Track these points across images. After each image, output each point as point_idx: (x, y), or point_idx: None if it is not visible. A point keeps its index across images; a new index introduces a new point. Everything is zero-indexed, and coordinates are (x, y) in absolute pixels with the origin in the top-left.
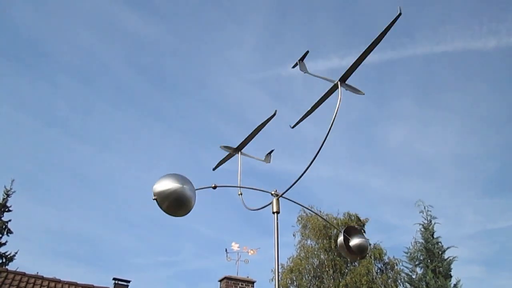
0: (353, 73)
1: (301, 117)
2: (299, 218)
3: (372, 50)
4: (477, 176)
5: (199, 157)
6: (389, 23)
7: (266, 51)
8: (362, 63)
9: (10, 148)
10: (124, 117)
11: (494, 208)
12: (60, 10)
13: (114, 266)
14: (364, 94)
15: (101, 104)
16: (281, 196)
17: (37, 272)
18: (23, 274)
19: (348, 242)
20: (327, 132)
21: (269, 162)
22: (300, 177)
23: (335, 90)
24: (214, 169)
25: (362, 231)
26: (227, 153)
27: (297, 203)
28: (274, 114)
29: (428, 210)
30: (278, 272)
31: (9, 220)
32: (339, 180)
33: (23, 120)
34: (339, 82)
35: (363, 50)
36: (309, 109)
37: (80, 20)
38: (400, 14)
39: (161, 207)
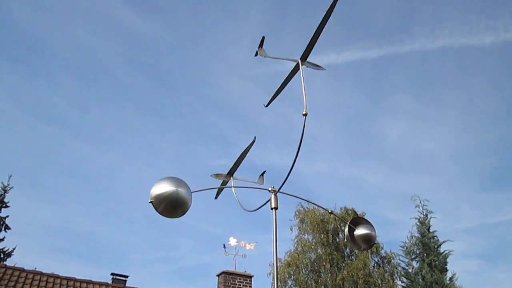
0: (349, 73)
1: (271, 96)
2: (297, 213)
3: (325, 24)
4: (474, 171)
5: (197, 153)
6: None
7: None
8: (361, 59)
9: (8, 145)
10: (123, 114)
11: (491, 202)
12: (58, 7)
13: (112, 261)
14: (325, 69)
15: (100, 101)
16: (278, 191)
17: (36, 268)
18: (22, 270)
19: (353, 233)
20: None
21: (263, 183)
22: (291, 168)
23: (298, 69)
24: (216, 198)
25: (369, 221)
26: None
27: (295, 196)
28: (254, 141)
29: (424, 205)
30: (276, 266)
31: (7, 216)
32: (336, 175)
33: (21, 117)
34: (299, 61)
35: (318, 24)
36: (277, 88)
37: (78, 17)
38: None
39: (157, 210)
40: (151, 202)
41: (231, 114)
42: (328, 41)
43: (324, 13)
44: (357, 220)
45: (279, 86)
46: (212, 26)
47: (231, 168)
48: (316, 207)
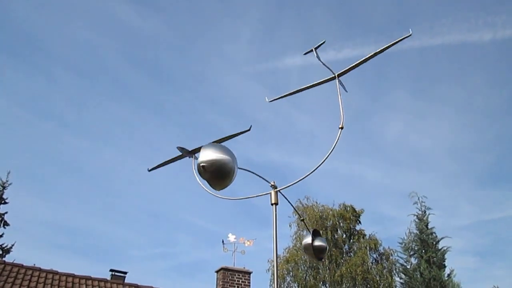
0: (317, 47)
1: (281, 95)
2: (296, 209)
3: (374, 57)
4: (472, 168)
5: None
6: (398, 39)
7: (262, 45)
8: (359, 56)
9: (7, 141)
10: (121, 110)
11: (489, 199)
12: (57, 4)
13: (111, 258)
14: (347, 92)
15: (98, 98)
16: (279, 190)
17: (34, 264)
18: (21, 266)
19: (313, 243)
20: (337, 135)
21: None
22: (303, 178)
23: (331, 81)
24: (149, 170)
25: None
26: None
27: (291, 204)
28: (249, 129)
29: (422, 201)
30: (276, 262)
31: (6, 212)
32: (335, 172)
33: (19, 114)
34: (336, 76)
35: (367, 56)
36: (293, 91)
37: (77, 14)
38: (410, 35)
39: (202, 176)
40: (203, 166)
41: (229, 111)
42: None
43: (381, 48)
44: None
45: (297, 89)
46: (211, 23)
47: (198, 147)
48: (315, 203)
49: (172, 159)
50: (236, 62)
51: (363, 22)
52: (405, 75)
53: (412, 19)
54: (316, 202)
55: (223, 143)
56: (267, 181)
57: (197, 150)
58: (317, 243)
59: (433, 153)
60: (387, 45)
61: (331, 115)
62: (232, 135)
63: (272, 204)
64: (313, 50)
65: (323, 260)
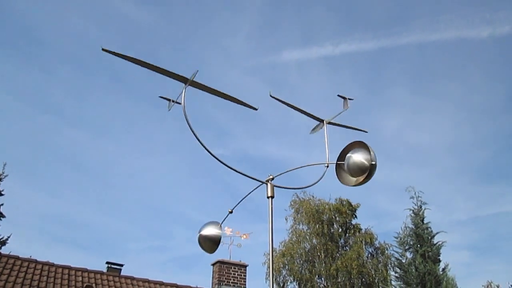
0: (346, 65)
1: (285, 101)
2: (292, 203)
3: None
4: (469, 164)
5: (194, 142)
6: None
7: (261, 39)
8: (358, 51)
9: (4, 133)
10: (119, 103)
11: (484, 195)
12: None
13: (107, 250)
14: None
15: (96, 90)
16: (272, 179)
17: (30, 256)
18: (17, 258)
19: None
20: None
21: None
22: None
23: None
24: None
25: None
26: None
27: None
28: (256, 109)
29: (418, 196)
30: (272, 255)
31: (2, 204)
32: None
33: (17, 106)
34: (324, 122)
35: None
36: (295, 106)
37: (74, 7)
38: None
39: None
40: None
41: (227, 105)
42: (325, 33)
43: None
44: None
45: (295, 106)
46: (210, 16)
47: (202, 85)
48: (312, 197)
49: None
50: (234, 56)
51: (361, 18)
52: (404, 71)
53: (411, 14)
54: (313, 196)
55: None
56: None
57: (194, 84)
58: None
59: (430, 149)
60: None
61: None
62: (239, 101)
63: (268, 197)
64: (345, 99)
65: (318, 253)
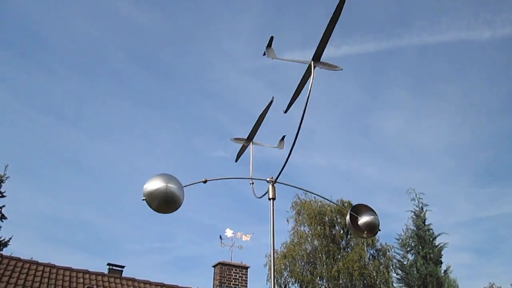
0: (347, 67)
1: (289, 102)
2: (294, 204)
3: (337, 20)
4: (470, 165)
5: (194, 144)
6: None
7: (262, 40)
8: (359, 53)
9: (5, 134)
10: (120, 104)
11: (485, 196)
12: None
13: (108, 251)
14: (342, 69)
15: (97, 92)
16: (275, 182)
17: (32, 258)
18: (18, 259)
19: (357, 221)
20: (302, 112)
21: (283, 148)
22: (287, 160)
23: (311, 70)
24: (236, 161)
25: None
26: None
27: (293, 186)
28: (272, 101)
29: (419, 198)
30: (273, 257)
31: (3, 206)
32: (333, 168)
33: (19, 107)
34: (312, 62)
35: (329, 20)
36: (293, 93)
37: (76, 9)
38: None
39: (150, 207)
40: (144, 199)
41: (229, 106)
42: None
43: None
44: (359, 208)
45: (294, 91)
46: (211, 18)
47: (250, 133)
48: (313, 199)
49: (239, 153)
50: (235, 58)
51: (362, 19)
52: (404, 73)
53: (412, 16)
54: (314, 198)
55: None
56: (262, 179)
57: (251, 136)
58: (364, 219)
59: (431, 150)
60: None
61: (330, 111)
62: (262, 115)
63: (269, 199)
64: (265, 50)
65: (320, 255)
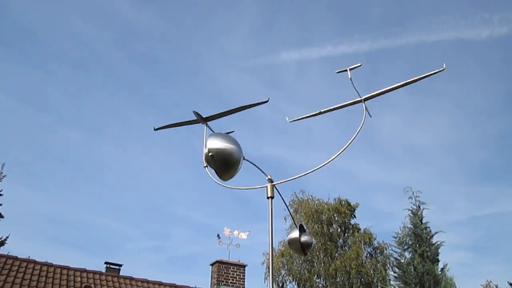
0: (345, 65)
1: (305, 115)
2: (291, 203)
3: (403, 86)
4: (467, 164)
5: (192, 144)
6: (431, 73)
7: (259, 39)
8: (356, 52)
9: (1, 133)
10: (116, 103)
11: (482, 195)
12: None
13: (106, 250)
14: (371, 117)
15: (94, 91)
16: (275, 185)
17: (29, 256)
18: (15, 258)
19: (300, 238)
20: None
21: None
22: (300, 176)
23: (357, 103)
24: (156, 129)
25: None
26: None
27: (283, 201)
28: (266, 101)
29: (417, 196)
30: (272, 255)
31: (0, 204)
32: (330, 166)
33: (14, 106)
34: (363, 100)
35: (396, 85)
36: (320, 110)
37: (72, 7)
38: (444, 69)
39: (211, 165)
40: (211, 155)
41: (225, 105)
42: (325, 33)
43: (412, 79)
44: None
45: (321, 110)
46: (208, 16)
47: (214, 115)
48: (311, 197)
49: (184, 122)
50: (232, 56)
51: (360, 18)
52: (402, 71)
53: (410, 15)
54: (312, 196)
55: (231, 134)
56: (265, 174)
57: (211, 118)
58: (304, 238)
59: (429, 149)
60: (419, 77)
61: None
62: (249, 105)
63: (268, 198)
64: (348, 70)
65: (317, 253)
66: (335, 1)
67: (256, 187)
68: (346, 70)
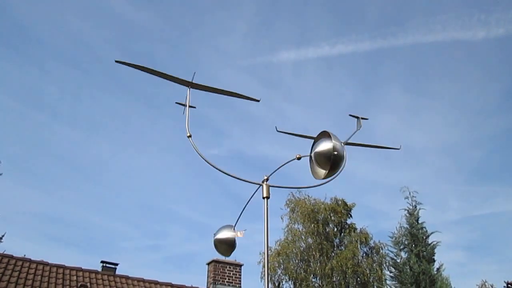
0: (342, 65)
1: (291, 132)
2: (288, 202)
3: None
4: (463, 164)
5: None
6: (387, 146)
7: (257, 38)
8: (354, 52)
9: None
10: (114, 102)
11: (478, 194)
12: None
13: (102, 249)
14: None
15: (91, 90)
16: (267, 180)
17: (24, 255)
18: (11, 257)
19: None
20: None
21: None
22: (297, 187)
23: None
24: (116, 61)
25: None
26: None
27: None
28: (258, 100)
29: (413, 196)
30: (267, 254)
31: None
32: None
33: (12, 104)
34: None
35: (355, 143)
36: (301, 134)
37: (70, 6)
38: (399, 149)
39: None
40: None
41: (222, 104)
42: (322, 33)
43: None
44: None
45: (301, 135)
46: (206, 15)
47: (203, 86)
48: (307, 196)
49: (169, 76)
50: (230, 56)
51: (357, 18)
52: (398, 71)
53: (406, 15)
54: (308, 196)
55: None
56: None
57: (196, 85)
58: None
59: (425, 149)
60: (375, 145)
61: (324, 109)
62: (239, 95)
63: (263, 198)
64: (360, 119)
65: (314, 253)
66: (332, 1)
67: (250, 181)
68: (357, 117)
